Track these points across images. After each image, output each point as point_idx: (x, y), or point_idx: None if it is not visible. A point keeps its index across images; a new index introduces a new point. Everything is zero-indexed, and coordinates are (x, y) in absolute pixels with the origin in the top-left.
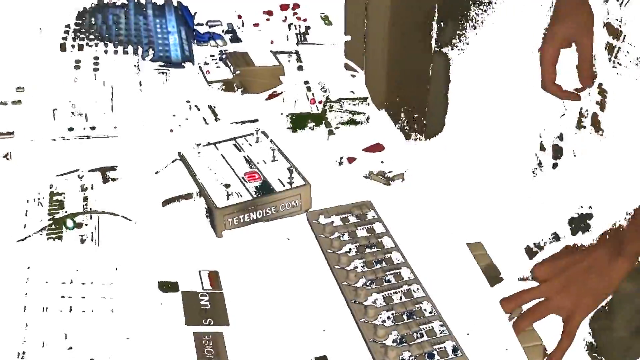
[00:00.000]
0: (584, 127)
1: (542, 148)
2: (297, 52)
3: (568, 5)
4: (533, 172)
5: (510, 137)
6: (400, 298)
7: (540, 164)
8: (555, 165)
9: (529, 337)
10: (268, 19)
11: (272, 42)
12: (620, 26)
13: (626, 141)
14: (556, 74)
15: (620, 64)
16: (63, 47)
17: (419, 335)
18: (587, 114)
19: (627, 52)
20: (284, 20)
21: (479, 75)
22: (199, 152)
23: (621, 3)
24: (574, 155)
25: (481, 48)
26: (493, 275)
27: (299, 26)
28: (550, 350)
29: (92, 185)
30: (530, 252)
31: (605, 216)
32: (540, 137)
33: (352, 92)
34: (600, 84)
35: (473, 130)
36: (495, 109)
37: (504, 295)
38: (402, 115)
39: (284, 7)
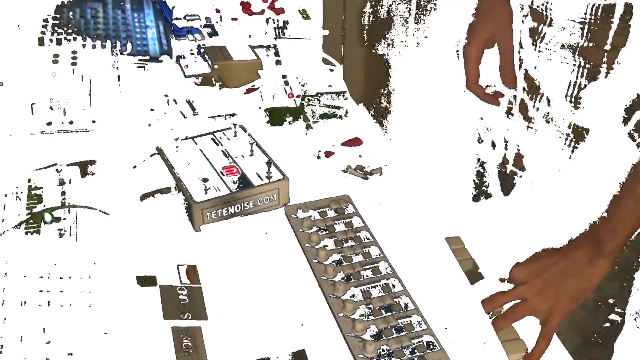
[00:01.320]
0: (512, 115)
1: (480, 140)
2: (275, 47)
3: (490, 4)
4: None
5: (483, 137)
6: (379, 292)
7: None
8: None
9: (507, 332)
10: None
11: (250, 36)
12: (544, 9)
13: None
14: (478, 74)
15: (547, 49)
16: (41, 42)
17: (397, 329)
18: (515, 101)
19: (554, 36)
20: (261, 12)
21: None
22: (177, 146)
23: None
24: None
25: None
26: (471, 270)
27: (277, 20)
28: (530, 348)
29: (70, 179)
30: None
31: (580, 217)
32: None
33: (330, 86)
34: (526, 70)
35: (449, 125)
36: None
37: (482, 290)
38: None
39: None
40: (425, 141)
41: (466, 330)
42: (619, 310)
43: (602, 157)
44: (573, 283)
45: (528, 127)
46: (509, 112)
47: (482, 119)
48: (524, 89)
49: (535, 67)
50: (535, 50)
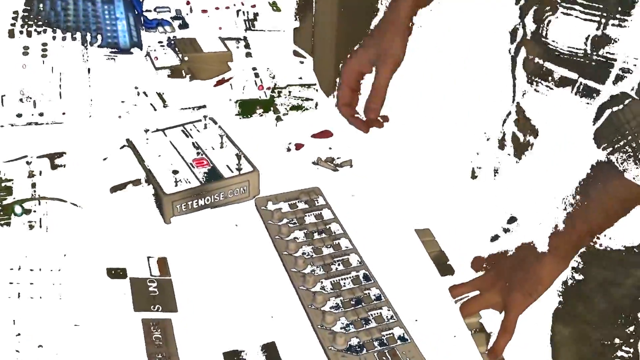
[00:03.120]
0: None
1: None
2: (245, 39)
3: (380, 31)
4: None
5: (453, 130)
6: (349, 284)
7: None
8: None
9: (476, 324)
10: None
11: (220, 28)
12: (540, 39)
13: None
14: (351, 96)
15: (542, 83)
16: (11, 34)
17: (367, 321)
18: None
19: (553, 71)
20: (228, 8)
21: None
22: (147, 139)
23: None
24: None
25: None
26: (441, 262)
27: (248, 13)
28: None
29: (41, 171)
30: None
31: (538, 216)
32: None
33: (301, 78)
34: (518, 103)
35: (422, 119)
36: (440, 103)
37: (451, 282)
38: None
39: None
40: (396, 133)
41: (436, 322)
42: (627, 349)
43: (569, 159)
44: (521, 277)
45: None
46: (501, 145)
47: (478, 154)
48: (516, 121)
49: (526, 94)
50: (529, 83)
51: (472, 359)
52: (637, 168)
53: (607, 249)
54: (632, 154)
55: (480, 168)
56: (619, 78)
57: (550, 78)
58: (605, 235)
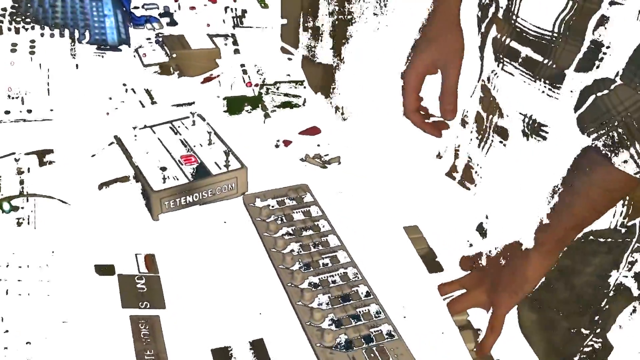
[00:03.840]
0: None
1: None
2: (233, 35)
3: (437, 28)
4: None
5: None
6: (337, 281)
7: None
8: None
9: (464, 321)
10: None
11: (208, 25)
12: (510, 19)
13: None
14: (418, 102)
15: (509, 63)
16: None
17: (355, 318)
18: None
19: (519, 51)
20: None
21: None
22: (135, 135)
23: None
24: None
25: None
26: (430, 259)
27: (236, 9)
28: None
29: (29, 168)
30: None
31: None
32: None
33: (289, 75)
34: (483, 82)
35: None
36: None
37: (439, 279)
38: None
39: None
40: (384, 130)
41: (424, 319)
42: (596, 339)
43: (554, 152)
44: (507, 275)
45: (481, 140)
46: (463, 122)
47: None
48: (480, 99)
49: (493, 73)
50: (496, 62)
51: (460, 356)
52: (623, 153)
53: None
54: (619, 138)
55: (446, 147)
56: (583, 65)
57: (516, 58)
58: None
